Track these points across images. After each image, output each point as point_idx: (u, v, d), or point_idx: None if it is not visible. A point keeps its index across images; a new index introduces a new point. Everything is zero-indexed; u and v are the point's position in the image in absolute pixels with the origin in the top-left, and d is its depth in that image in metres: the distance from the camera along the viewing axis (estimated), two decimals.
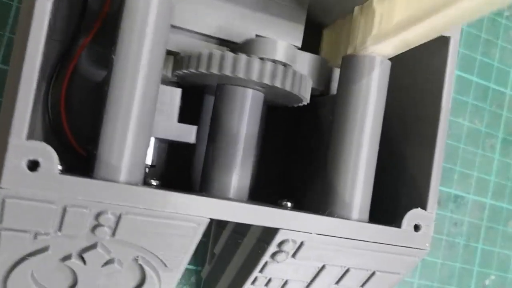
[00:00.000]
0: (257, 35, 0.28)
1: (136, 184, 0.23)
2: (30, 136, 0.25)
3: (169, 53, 0.27)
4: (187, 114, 0.30)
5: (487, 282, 0.42)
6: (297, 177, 0.33)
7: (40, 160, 0.21)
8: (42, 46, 0.21)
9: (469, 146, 0.42)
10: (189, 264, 0.33)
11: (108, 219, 0.22)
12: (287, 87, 0.26)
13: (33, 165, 0.21)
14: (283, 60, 0.27)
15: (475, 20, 0.42)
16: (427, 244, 0.28)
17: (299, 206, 0.29)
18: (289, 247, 0.26)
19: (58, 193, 0.21)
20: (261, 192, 0.33)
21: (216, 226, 0.32)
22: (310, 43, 0.31)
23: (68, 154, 0.28)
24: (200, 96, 0.31)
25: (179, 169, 0.30)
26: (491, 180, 0.43)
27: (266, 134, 0.33)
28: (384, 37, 0.26)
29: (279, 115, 0.33)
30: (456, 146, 0.41)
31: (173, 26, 0.26)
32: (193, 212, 0.23)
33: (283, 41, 0.27)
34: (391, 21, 0.25)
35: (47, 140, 0.28)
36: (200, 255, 0.33)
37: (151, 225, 0.23)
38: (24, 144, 0.21)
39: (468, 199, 0.42)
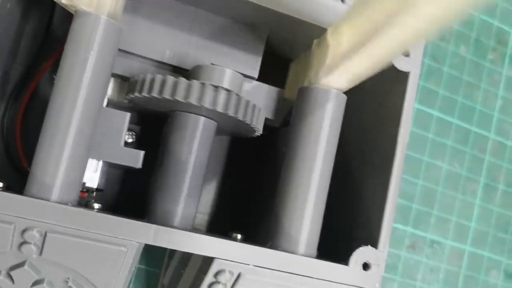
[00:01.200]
0: (211, 64, 0.28)
1: (66, 204, 0.23)
2: None
3: (121, 77, 0.27)
4: (146, 140, 0.30)
5: None
6: (253, 209, 0.33)
7: None
8: None
9: (448, 190, 0.40)
10: None
11: (33, 236, 0.22)
12: (240, 116, 0.26)
13: None
14: (235, 90, 0.27)
15: (457, 62, 0.41)
16: (376, 285, 0.27)
17: (251, 239, 0.28)
18: (226, 278, 0.25)
19: None
20: (216, 223, 0.32)
21: (167, 257, 0.32)
22: (282, 77, 0.31)
23: (19, 174, 0.29)
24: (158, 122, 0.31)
25: (132, 195, 0.30)
26: (471, 226, 0.41)
27: (228, 164, 0.33)
28: (334, 68, 0.26)
29: (240, 146, 0.33)
30: (433, 189, 0.40)
31: (126, 51, 0.27)
32: (120, 235, 0.23)
33: (236, 70, 0.27)
34: (339, 51, 0.25)
35: None
36: (152, 286, 0.32)
37: (79, 246, 0.23)
38: None
39: (445, 245, 0.40)
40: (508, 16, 0.43)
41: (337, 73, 0.26)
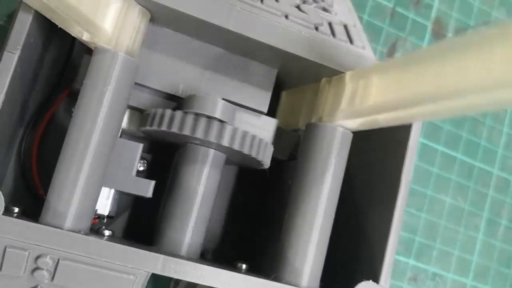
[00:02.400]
0: (223, 99, 0.29)
1: (78, 232, 0.24)
2: None
3: (136, 109, 0.28)
4: (157, 168, 0.31)
5: None
6: (258, 239, 0.33)
7: None
8: (2, 96, 0.22)
9: (450, 224, 0.41)
10: None
11: (46, 263, 0.23)
12: (247, 151, 0.27)
13: None
14: (247, 127, 0.28)
15: None
16: None
17: (255, 269, 0.29)
18: None
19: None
20: (223, 252, 0.33)
21: (173, 283, 0.32)
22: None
23: (37, 201, 0.29)
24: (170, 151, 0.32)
25: (142, 222, 0.31)
26: (473, 261, 0.41)
27: (235, 194, 0.34)
28: (355, 115, 0.26)
29: (248, 177, 0.34)
30: (436, 222, 0.40)
31: (141, 85, 0.28)
32: (129, 264, 0.23)
33: (246, 105, 0.28)
34: (366, 101, 0.25)
35: (16, 186, 0.29)
36: None
37: (89, 273, 0.24)
38: None
39: (447, 278, 0.40)
40: None
41: (358, 120, 0.26)
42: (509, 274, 0.43)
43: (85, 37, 0.24)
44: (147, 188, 0.28)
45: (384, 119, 0.25)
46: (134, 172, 0.27)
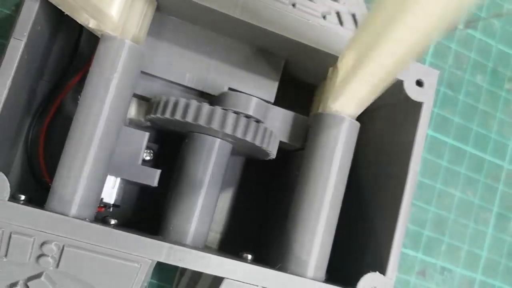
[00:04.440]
0: (230, 88, 0.29)
1: (83, 219, 0.24)
2: (6, 169, 0.26)
3: (142, 98, 0.28)
4: (163, 157, 0.31)
5: None
6: (264, 230, 0.33)
7: None
8: (9, 82, 0.23)
9: (460, 218, 0.40)
10: None
11: (51, 249, 0.23)
12: (255, 141, 0.26)
13: None
14: (255, 115, 0.27)
15: (473, 91, 0.42)
16: None
17: (261, 259, 0.29)
18: None
19: (5, 219, 0.22)
20: (228, 242, 0.33)
21: (179, 274, 0.32)
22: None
23: (41, 188, 0.29)
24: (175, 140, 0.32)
25: (147, 211, 0.31)
26: (483, 255, 0.41)
27: (242, 184, 0.33)
28: (339, 93, 0.26)
29: (255, 168, 0.33)
30: (445, 216, 0.40)
31: (147, 73, 0.28)
32: (134, 251, 0.23)
33: (253, 95, 0.28)
34: (342, 75, 0.26)
35: (23, 174, 0.30)
36: None
37: (94, 260, 0.24)
38: None
39: (456, 273, 0.40)
40: None
41: (344, 98, 0.26)
42: None
43: (91, 24, 0.24)
44: (153, 177, 0.28)
45: (365, 87, 0.25)
46: (140, 161, 0.27)
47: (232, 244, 0.32)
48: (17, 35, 0.23)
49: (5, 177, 0.22)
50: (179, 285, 0.31)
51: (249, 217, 0.33)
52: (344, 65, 0.26)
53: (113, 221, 0.27)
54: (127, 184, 0.30)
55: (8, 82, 0.22)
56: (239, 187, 0.33)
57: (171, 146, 0.31)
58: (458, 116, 0.41)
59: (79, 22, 0.24)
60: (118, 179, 0.28)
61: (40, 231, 0.23)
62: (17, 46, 0.23)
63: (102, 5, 0.23)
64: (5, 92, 0.22)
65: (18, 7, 0.31)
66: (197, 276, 0.28)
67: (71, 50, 0.30)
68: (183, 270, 0.31)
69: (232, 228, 0.33)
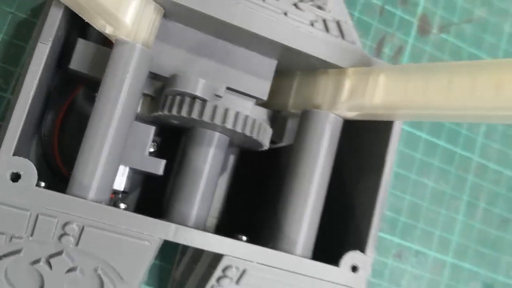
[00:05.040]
0: (227, 87, 0.32)
1: (100, 202, 0.27)
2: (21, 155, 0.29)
3: (149, 96, 0.31)
4: (166, 149, 0.34)
5: None
6: (258, 215, 0.37)
7: (21, 173, 0.25)
8: (37, 81, 0.26)
9: (433, 205, 0.44)
10: (154, 287, 0.36)
11: (73, 229, 0.26)
12: (247, 132, 0.30)
13: (15, 177, 0.25)
14: (251, 115, 0.31)
15: None
16: (362, 285, 0.31)
17: (253, 241, 0.32)
18: (233, 273, 0.29)
19: (33, 202, 0.25)
20: (224, 226, 0.36)
21: (179, 254, 0.36)
22: None
23: (56, 178, 0.32)
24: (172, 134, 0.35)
25: (152, 197, 0.34)
26: (453, 240, 0.45)
27: (236, 174, 0.37)
28: (358, 108, 0.29)
29: (248, 159, 0.37)
30: (420, 204, 0.44)
31: (154, 74, 0.31)
32: (146, 231, 0.27)
33: (248, 93, 0.31)
34: (372, 98, 0.28)
35: (38, 165, 0.33)
36: (165, 280, 0.36)
37: (109, 239, 0.27)
38: (10, 159, 0.25)
39: (429, 256, 0.44)
40: (494, 49, 0.48)
41: (359, 112, 0.30)
42: (486, 253, 0.46)
43: (107, 30, 0.27)
44: (158, 167, 0.31)
45: (383, 114, 0.28)
46: (147, 152, 0.31)
47: (227, 227, 0.36)
48: (43, 39, 0.26)
49: (33, 165, 0.25)
50: (180, 265, 0.34)
51: (242, 203, 0.37)
52: (369, 84, 0.28)
53: (123, 206, 0.30)
54: (134, 173, 0.33)
55: (35, 82, 0.25)
56: (233, 176, 0.36)
57: (172, 139, 0.34)
58: None
59: (96, 27, 0.27)
60: (127, 168, 0.31)
61: (64, 212, 0.26)
62: (43, 50, 0.26)
63: (118, 13, 0.26)
64: (33, 91, 0.25)
65: (33, 11, 0.34)
66: (198, 254, 0.32)
67: None
68: (184, 250, 0.35)
69: (227, 213, 0.36)
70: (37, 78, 0.25)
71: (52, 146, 0.32)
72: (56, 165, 0.32)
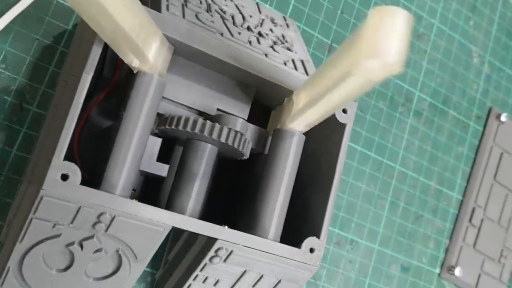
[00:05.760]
0: (218, 109, 0.41)
1: (126, 197, 0.34)
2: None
3: (157, 114, 0.39)
4: (165, 156, 0.42)
5: None
6: (238, 210, 0.45)
7: (69, 174, 0.32)
8: (80, 105, 0.33)
9: (365, 204, 0.55)
10: (147, 267, 0.44)
11: (106, 218, 0.34)
12: (236, 146, 0.39)
13: (64, 177, 0.32)
14: (238, 129, 0.39)
15: (377, 112, 0.57)
16: (318, 263, 0.40)
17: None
18: (223, 253, 0.38)
19: (77, 197, 0.32)
20: (210, 219, 0.44)
21: (171, 240, 0.44)
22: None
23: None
24: (173, 144, 0.43)
25: (154, 195, 0.42)
26: (380, 231, 0.56)
27: (221, 178, 0.45)
28: (295, 117, 0.39)
29: (231, 166, 0.46)
30: (355, 202, 0.55)
31: (163, 97, 0.39)
32: (159, 220, 0.35)
33: (232, 113, 0.40)
34: (298, 106, 0.39)
35: None
36: (156, 261, 0.44)
37: (131, 226, 0.34)
38: (61, 163, 0.32)
39: (361, 244, 0.55)
40: (415, 82, 0.60)
41: (297, 121, 0.39)
42: (404, 242, 0.58)
43: (134, 63, 0.35)
44: (163, 170, 0.39)
45: (313, 116, 0.38)
46: (155, 158, 0.39)
47: (212, 220, 0.44)
48: (88, 71, 0.33)
49: (77, 167, 0.33)
50: (173, 250, 0.42)
51: (226, 200, 0.45)
52: (299, 100, 0.39)
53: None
54: (140, 174, 0.40)
55: (79, 106, 0.33)
56: (220, 178, 0.45)
57: (171, 148, 0.42)
58: (365, 130, 0.56)
59: (125, 61, 0.35)
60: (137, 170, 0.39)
61: (100, 205, 0.33)
62: (87, 78, 0.33)
63: (146, 52, 0.34)
64: (79, 109, 0.33)
65: (55, 38, 0.40)
66: (193, 238, 0.40)
67: (98, 74, 0.40)
68: (175, 236, 0.43)
69: (213, 208, 0.45)
70: (82, 100, 0.33)
71: (73, 153, 0.39)
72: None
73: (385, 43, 0.26)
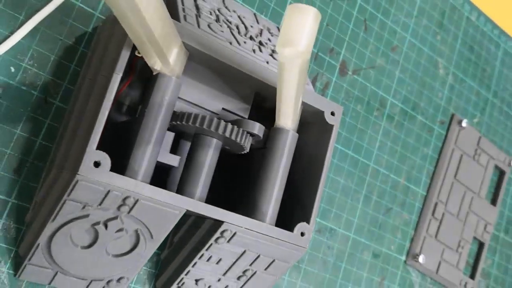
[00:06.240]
0: (223, 108, 0.46)
1: (147, 183, 0.39)
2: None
3: None
4: (175, 149, 0.47)
5: None
6: (239, 197, 0.51)
7: (101, 161, 0.37)
8: (111, 101, 0.37)
9: (343, 197, 0.62)
10: None
11: (131, 201, 0.38)
12: (238, 140, 0.44)
13: (97, 164, 0.37)
14: (255, 132, 0.44)
15: (355, 116, 0.63)
16: (307, 245, 0.46)
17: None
18: (227, 235, 0.43)
19: (107, 182, 0.37)
20: (214, 203, 0.50)
21: (177, 224, 0.48)
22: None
23: None
24: (179, 138, 0.48)
25: (164, 183, 0.47)
26: (355, 222, 0.63)
27: (224, 169, 0.50)
28: (279, 114, 0.45)
29: (232, 159, 0.51)
30: (334, 195, 0.61)
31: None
32: (175, 203, 0.40)
33: (234, 112, 0.45)
34: (278, 104, 0.44)
35: None
36: (162, 243, 0.48)
37: (151, 208, 0.39)
38: (94, 152, 0.37)
39: (338, 232, 0.61)
40: (389, 89, 0.67)
41: (282, 117, 0.45)
42: (375, 231, 0.65)
43: (156, 66, 0.40)
44: (175, 160, 0.44)
45: (285, 109, 0.43)
46: (168, 150, 0.43)
47: (214, 205, 0.49)
48: (118, 71, 0.38)
49: (108, 156, 0.37)
50: (178, 233, 0.47)
51: (227, 189, 0.51)
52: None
53: None
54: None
55: (112, 99, 0.37)
56: (223, 169, 0.50)
57: (179, 141, 0.47)
58: (344, 131, 0.63)
59: (149, 63, 0.40)
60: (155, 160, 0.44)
61: (125, 189, 0.38)
62: (117, 78, 0.38)
63: (168, 56, 0.39)
64: (109, 105, 0.37)
65: (77, 38, 0.45)
66: (199, 221, 0.45)
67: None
68: (180, 220, 0.47)
69: (216, 195, 0.50)
70: (113, 97, 0.37)
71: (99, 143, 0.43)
72: None
73: (296, 35, 0.31)
